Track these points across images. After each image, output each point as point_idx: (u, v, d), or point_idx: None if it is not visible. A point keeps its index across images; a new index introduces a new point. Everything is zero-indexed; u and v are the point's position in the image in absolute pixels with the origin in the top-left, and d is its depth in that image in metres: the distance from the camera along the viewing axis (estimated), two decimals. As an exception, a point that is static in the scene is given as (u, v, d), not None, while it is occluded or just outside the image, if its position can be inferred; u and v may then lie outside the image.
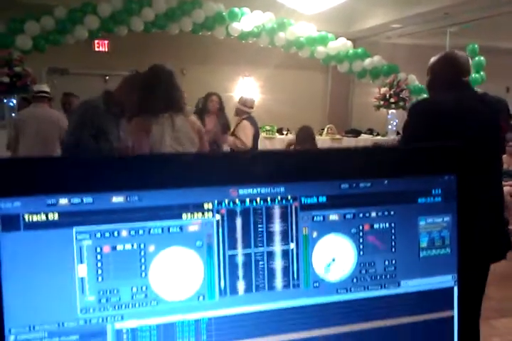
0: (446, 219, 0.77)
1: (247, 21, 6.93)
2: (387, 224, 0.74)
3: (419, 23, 8.27)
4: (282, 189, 0.70)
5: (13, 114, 6.62)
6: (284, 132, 8.82)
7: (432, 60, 2.18)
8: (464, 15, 7.59)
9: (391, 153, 0.74)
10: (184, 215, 0.66)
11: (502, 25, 8.01)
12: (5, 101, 6.63)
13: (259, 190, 0.69)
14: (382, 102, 7.75)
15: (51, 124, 4.60)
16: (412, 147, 0.73)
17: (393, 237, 0.75)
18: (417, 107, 2.02)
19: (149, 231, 0.65)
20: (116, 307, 0.64)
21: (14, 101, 6.65)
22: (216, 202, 0.68)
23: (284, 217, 0.71)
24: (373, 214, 0.74)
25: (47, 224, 0.61)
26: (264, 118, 7.95)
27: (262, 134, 7.47)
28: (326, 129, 8.77)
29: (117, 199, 0.64)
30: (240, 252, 0.69)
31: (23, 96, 6.45)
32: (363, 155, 0.73)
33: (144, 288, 0.65)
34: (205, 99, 5.18)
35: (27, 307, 0.61)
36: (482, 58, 7.16)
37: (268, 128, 8.45)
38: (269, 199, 0.70)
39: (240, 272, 0.69)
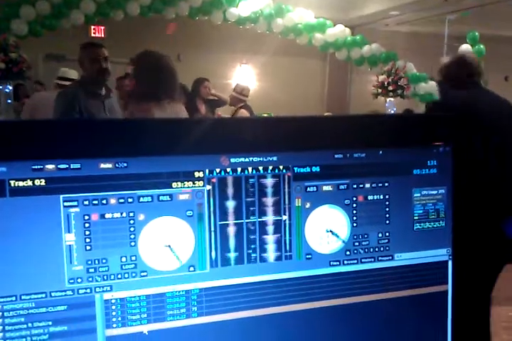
0: (441, 191, 0.76)
1: (245, 6, 6.84)
2: (381, 196, 0.73)
3: (418, 10, 8.19)
4: (275, 158, 0.69)
5: (9, 101, 6.55)
6: (282, 120, 8.77)
7: (445, 62, 2.18)
8: (463, 2, 7.52)
9: (386, 122, 0.73)
10: (174, 184, 0.65)
11: (502, 13, 7.94)
12: (0, 87, 6.56)
13: (251, 158, 0.68)
14: (380, 90, 7.69)
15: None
16: (407, 117, 0.71)
17: (387, 209, 0.74)
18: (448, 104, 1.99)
19: (139, 200, 0.64)
20: (105, 278, 0.63)
21: (10, 87, 6.58)
22: (207, 170, 0.66)
23: (277, 187, 0.69)
24: (367, 185, 0.73)
25: (33, 190, 0.60)
26: (262, 106, 7.90)
27: (273, 116, 7.41)
28: (323, 117, 8.72)
29: (106, 165, 0.62)
30: (231, 222, 0.68)
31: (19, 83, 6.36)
32: (357, 125, 0.72)
33: (133, 258, 0.64)
34: (197, 83, 5.11)
35: (13, 276, 0.60)
36: (482, 46, 7.11)
37: (265, 115, 8.41)
38: (261, 168, 0.68)
39: (232, 243, 0.68)
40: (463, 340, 0.81)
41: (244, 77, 9.22)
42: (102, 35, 8.63)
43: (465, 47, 6.80)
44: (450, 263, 0.78)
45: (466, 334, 0.82)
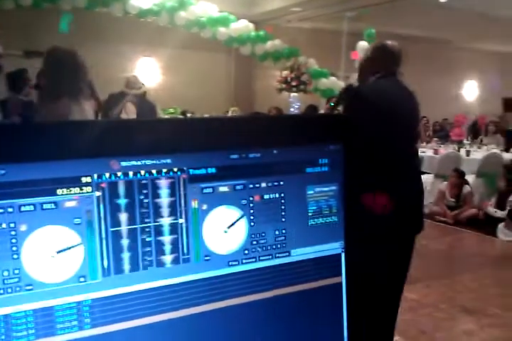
0: (333, 188, 0.79)
1: (146, -1, 6.68)
2: (276, 195, 0.74)
3: (319, 6, 8.45)
4: (169, 160, 0.67)
5: None
6: (189, 114, 8.68)
7: (370, 47, 2.23)
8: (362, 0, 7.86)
9: (279, 122, 0.74)
10: (59, 190, 0.61)
11: (399, 11, 8.39)
12: None
13: (143, 161, 0.66)
14: (284, 85, 7.88)
15: None
16: (299, 117, 0.73)
17: (283, 207, 0.75)
18: (366, 93, 2.02)
19: (20, 209, 0.59)
20: (-15, 294, 0.58)
21: None
22: (96, 175, 0.63)
23: (172, 190, 0.68)
24: (263, 184, 0.73)
25: None
26: (167, 101, 7.76)
27: (166, 117, 7.29)
28: (230, 112, 8.76)
29: (-21, 174, 0.57)
30: (124, 228, 0.65)
31: None
32: (251, 125, 0.72)
33: (16, 272, 0.59)
34: None
35: None
36: (377, 43, 7.47)
37: (172, 110, 8.25)
38: (154, 171, 0.66)
39: (125, 249, 0.65)
40: (361, 326, 0.85)
41: (147, 69, 9.00)
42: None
43: (362, 44, 7.14)
44: (343, 255, 0.81)
45: (364, 320, 0.86)
